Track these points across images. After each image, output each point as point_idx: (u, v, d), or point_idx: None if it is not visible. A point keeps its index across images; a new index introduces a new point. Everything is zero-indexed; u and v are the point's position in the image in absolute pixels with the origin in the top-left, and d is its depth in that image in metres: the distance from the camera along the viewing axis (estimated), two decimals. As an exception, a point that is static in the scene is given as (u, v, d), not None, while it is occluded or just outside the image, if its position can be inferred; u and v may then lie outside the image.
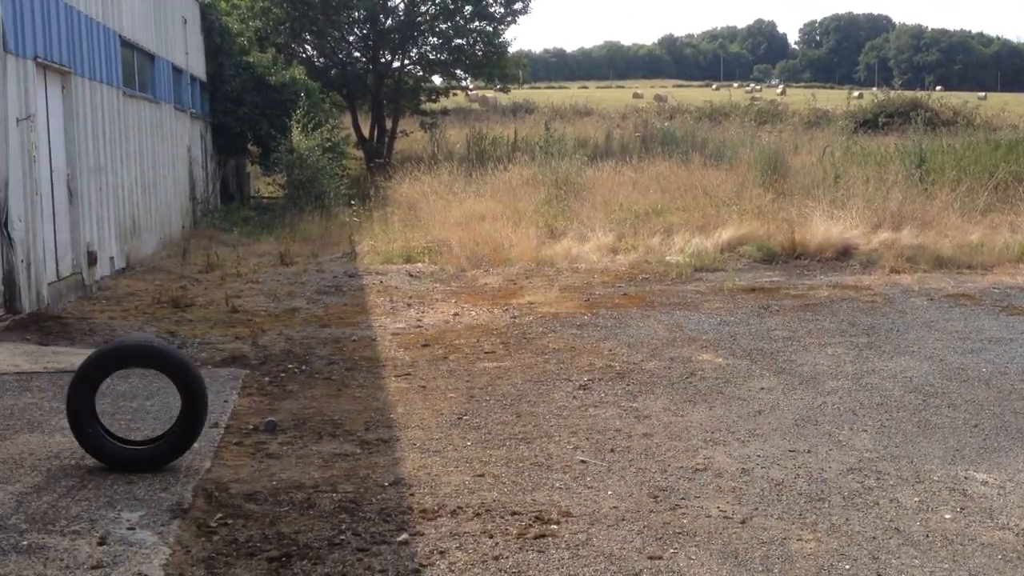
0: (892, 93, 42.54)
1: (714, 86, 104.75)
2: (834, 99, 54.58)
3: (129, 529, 5.00)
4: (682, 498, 5.69)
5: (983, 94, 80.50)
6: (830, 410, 7.57)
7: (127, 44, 16.08)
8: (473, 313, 11.71)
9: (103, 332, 10.24)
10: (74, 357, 9.02)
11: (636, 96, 74.54)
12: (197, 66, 23.56)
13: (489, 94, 59.18)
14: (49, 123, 11.97)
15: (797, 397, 7.93)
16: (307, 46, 38.67)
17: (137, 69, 16.98)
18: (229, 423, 7.12)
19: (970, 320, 11.01)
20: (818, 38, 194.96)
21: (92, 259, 13.15)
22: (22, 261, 10.71)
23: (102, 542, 4.83)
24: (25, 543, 4.79)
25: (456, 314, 11.65)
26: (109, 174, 14.31)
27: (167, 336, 10.26)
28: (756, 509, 5.52)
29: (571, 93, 71.01)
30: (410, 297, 12.89)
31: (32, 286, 10.94)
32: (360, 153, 36.49)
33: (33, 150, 11.07)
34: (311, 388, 8.33)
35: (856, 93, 62.69)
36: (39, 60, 11.41)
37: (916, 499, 5.70)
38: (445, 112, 41.88)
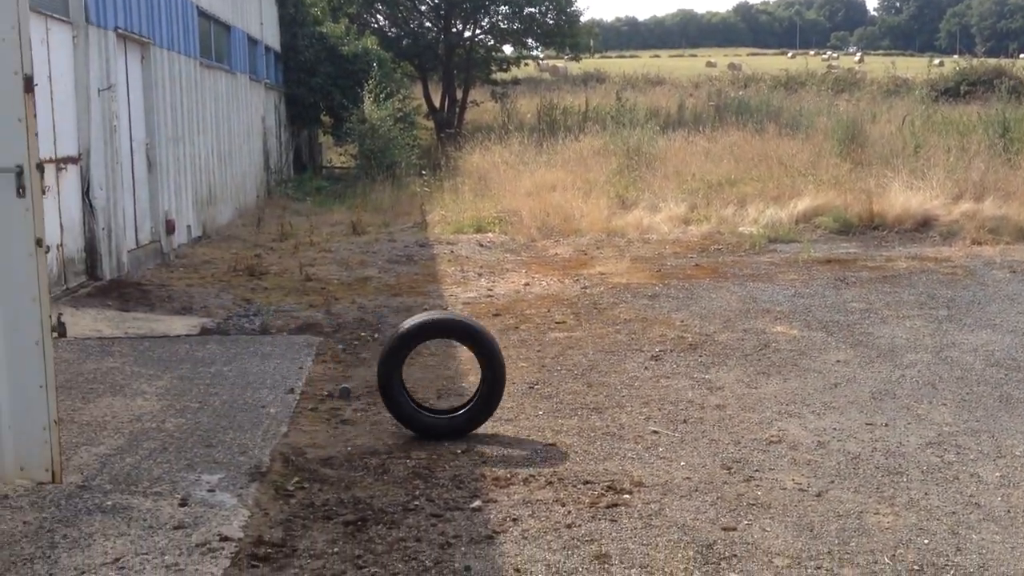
0: (974, 61, 41.28)
1: (790, 54, 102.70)
2: (914, 67, 53.12)
3: (209, 491, 5.12)
4: (756, 470, 5.64)
5: (1071, 61, 77.72)
6: (908, 383, 7.42)
7: (204, 15, 16.28)
8: (544, 283, 11.70)
9: (181, 299, 10.45)
10: (154, 323, 9.24)
11: (709, 65, 73.47)
12: (272, 37, 23.78)
13: (560, 64, 58.78)
14: (129, 93, 12.19)
15: (874, 370, 7.79)
16: (379, 16, 38.79)
17: (214, 40, 17.19)
18: (304, 389, 7.22)
19: (1055, 294, 10.69)
20: (898, 4, 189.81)
21: (170, 227, 13.40)
22: (103, 229, 10.96)
23: (183, 503, 4.94)
24: (109, 503, 4.92)
25: (527, 284, 11.65)
26: (186, 144, 14.55)
27: (243, 303, 10.44)
28: (832, 482, 5.45)
29: (643, 62, 70.27)
30: (480, 267, 12.92)
31: (113, 253, 11.20)
32: (431, 123, 36.57)
33: (114, 120, 11.30)
34: (421, 356, 8.38)
35: (937, 61, 61.00)
36: (119, 31, 11.61)
37: (997, 474, 5.57)
38: (516, 82, 41.66)
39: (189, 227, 14.66)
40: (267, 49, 23.07)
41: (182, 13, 14.54)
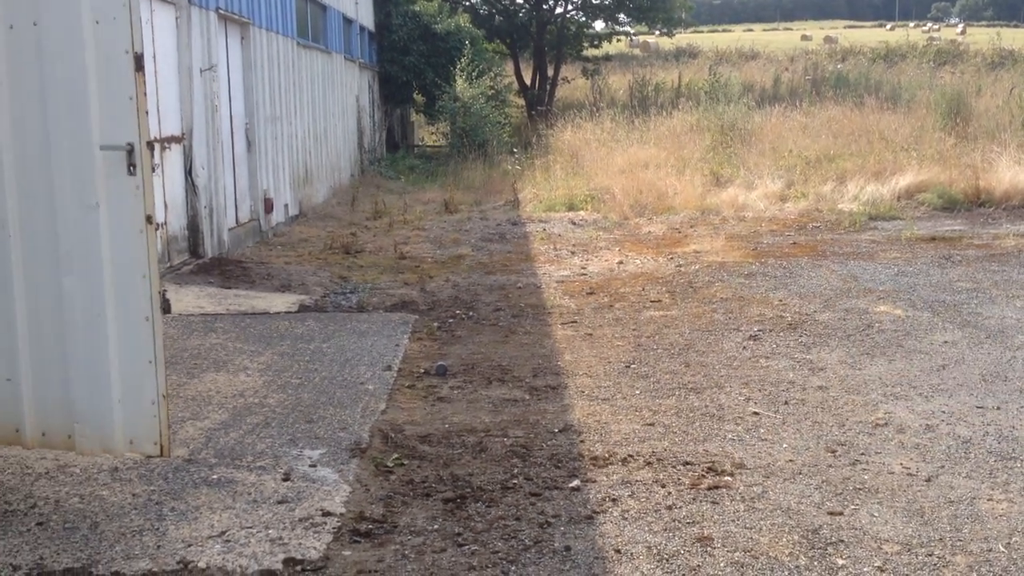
0: (1087, 29, 39.51)
1: (888, 26, 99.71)
2: (1021, 38, 51.12)
3: (311, 466, 5.18)
4: (862, 453, 5.49)
5: None
6: (1020, 366, 7.15)
7: (300, -5, 16.48)
8: (637, 261, 11.59)
9: (280, 276, 10.63)
10: (255, 300, 9.41)
11: (804, 38, 71.74)
12: (366, 16, 23.97)
13: (651, 39, 58.03)
14: (229, 73, 12.41)
15: (984, 351, 7.53)
16: (471, -7, 38.80)
17: (310, 20, 17.39)
18: (401, 366, 7.27)
19: None
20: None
21: (268, 206, 13.64)
22: (205, 207, 11.20)
23: (286, 478, 5.02)
24: (215, 477, 5.02)
25: (620, 262, 11.56)
26: (284, 123, 14.76)
27: (340, 281, 10.57)
28: (942, 467, 5.28)
29: (736, 36, 68.99)
30: (573, 245, 12.86)
31: (214, 231, 11.44)
32: (522, 101, 36.51)
33: (215, 100, 11.51)
34: (478, 334, 8.42)
35: (1046, 30, 58.59)
36: (220, 11, 11.82)
37: (1119, 463, 5.33)
38: (607, 58, 41.33)
39: (286, 206, 14.89)
40: (361, 28, 23.27)
41: (279, -6, 14.75)
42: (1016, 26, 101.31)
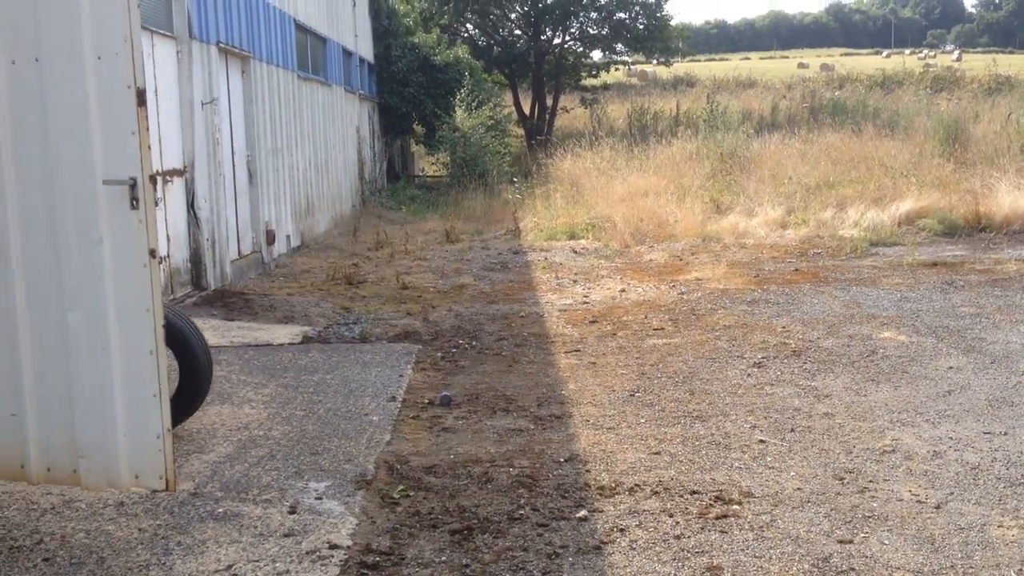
0: (1082, 55, 39.78)
1: (885, 53, 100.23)
2: (1016, 64, 51.43)
3: (317, 499, 5.16)
4: (870, 481, 5.46)
5: None
6: (1026, 391, 7.13)
7: (301, 28, 16.58)
8: (639, 289, 11.59)
9: (283, 308, 10.62)
10: (258, 332, 9.40)
11: (801, 66, 72.16)
12: (365, 48, 24.12)
13: (649, 68, 58.42)
14: (230, 106, 12.47)
15: (989, 377, 7.51)
16: (469, 26, 39.08)
17: (310, 52, 17.50)
18: (405, 397, 7.25)
19: None
20: (997, 1, 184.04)
21: (270, 237, 13.66)
22: (207, 240, 11.22)
23: (292, 511, 4.99)
24: (221, 510, 4.99)
25: (622, 290, 11.56)
26: (285, 155, 14.82)
27: (342, 311, 10.57)
28: (951, 493, 5.25)
29: (733, 65, 69.39)
30: (575, 273, 12.87)
31: (217, 263, 11.45)
32: (521, 131, 36.68)
33: (216, 133, 11.56)
34: (482, 363, 8.41)
35: (1041, 56, 58.93)
36: (221, 45, 11.89)
37: None
38: (605, 88, 41.57)
39: (288, 237, 14.92)
40: (361, 60, 23.41)
41: (280, 27, 14.83)
42: (1011, 52, 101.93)
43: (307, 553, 4.52)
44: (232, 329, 9.48)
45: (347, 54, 21.35)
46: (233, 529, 4.77)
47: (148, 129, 4.91)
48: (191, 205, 10.96)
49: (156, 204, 5.96)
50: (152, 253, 4.88)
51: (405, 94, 26.22)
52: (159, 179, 10.14)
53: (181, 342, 5.88)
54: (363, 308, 10.78)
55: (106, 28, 4.77)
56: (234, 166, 12.54)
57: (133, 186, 4.85)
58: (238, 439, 6.14)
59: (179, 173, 10.79)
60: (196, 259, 11.09)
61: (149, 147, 4.89)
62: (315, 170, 17.07)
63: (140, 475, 5.00)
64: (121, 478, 5.01)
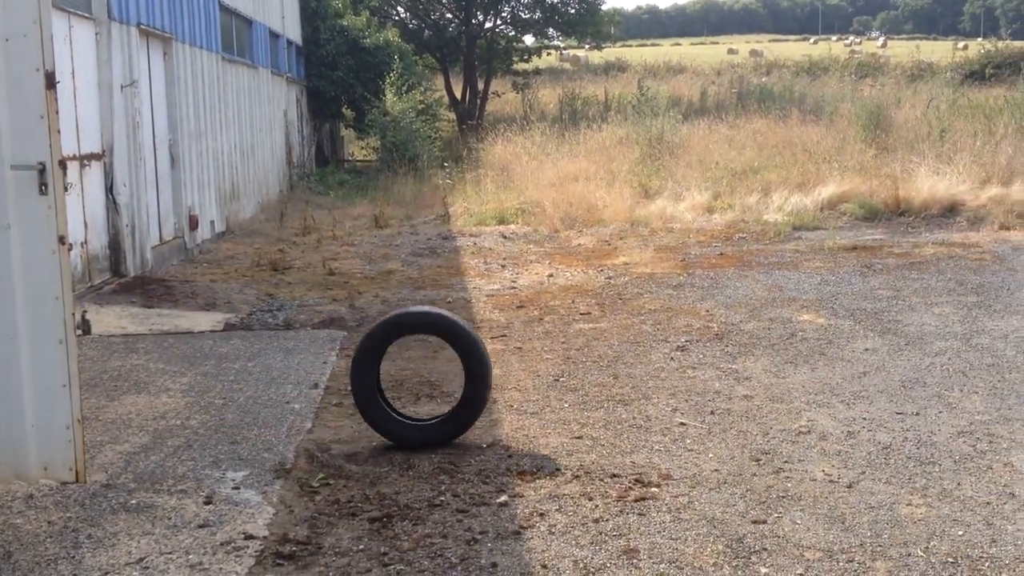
0: (1000, 43, 40.88)
1: (812, 40, 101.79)
2: (939, 51, 52.57)
3: (234, 488, 5.09)
4: (785, 461, 5.56)
5: (1099, 42, 76.68)
6: (939, 371, 7.31)
7: (226, 9, 16.29)
8: (567, 274, 11.64)
9: (205, 295, 10.46)
10: (178, 319, 9.25)
11: (731, 52, 73.00)
12: (293, 30, 23.80)
13: (580, 53, 58.64)
14: (151, 89, 12.21)
15: (903, 358, 7.69)
16: (400, 8, 38.80)
17: (235, 34, 17.22)
18: (328, 384, 7.20)
19: (1088, 278, 10.53)
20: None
21: (193, 223, 13.44)
22: (127, 225, 10.99)
23: (208, 501, 4.92)
24: (134, 502, 4.91)
25: (550, 275, 11.59)
26: (209, 139, 14.57)
27: (267, 298, 10.45)
28: (863, 473, 5.37)
29: (664, 50, 69.90)
30: (504, 258, 12.87)
31: (136, 250, 11.23)
32: (452, 115, 36.53)
33: (137, 116, 11.32)
34: (407, 350, 8.36)
35: (962, 44, 60.36)
36: (142, 27, 11.63)
37: (1032, 465, 5.47)
38: (537, 72, 41.55)
39: (212, 222, 14.69)
40: (288, 43, 23.09)
41: (204, 8, 14.56)
42: (935, 39, 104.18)
43: (222, 544, 4.46)
44: (151, 317, 9.32)
45: (274, 36, 21.05)
46: (146, 521, 4.70)
47: (58, 113, 4.78)
48: (110, 190, 10.73)
49: (66, 190, 5.83)
50: (61, 240, 4.77)
51: (334, 77, 25.92)
52: (76, 163, 9.90)
53: (467, 346, 5.88)
54: (288, 294, 10.67)
55: (14, 9, 4.63)
56: (155, 150, 12.30)
57: (42, 171, 4.72)
58: (154, 429, 6.04)
59: (97, 157, 10.55)
60: (115, 245, 10.87)
61: (59, 131, 4.77)
62: (241, 154, 16.82)
63: (49, 467, 4.89)
64: (30, 470, 4.89)
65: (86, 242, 10.18)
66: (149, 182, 11.93)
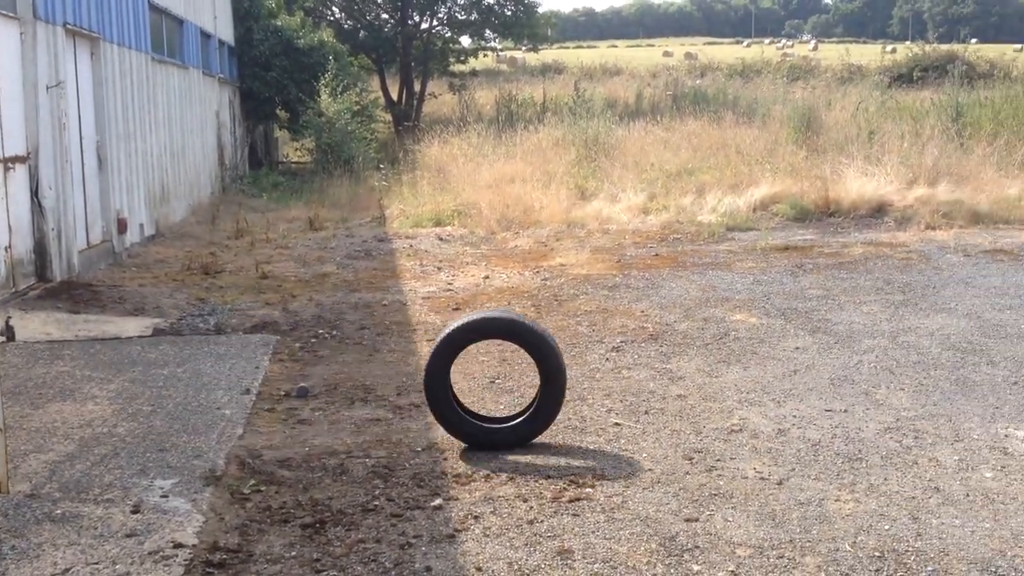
0: (927, 47, 41.84)
1: (745, 43, 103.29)
2: (868, 54, 53.64)
3: (163, 497, 5.00)
4: (718, 460, 5.62)
5: (1020, 46, 78.87)
6: (866, 369, 7.45)
7: (156, 9, 16.02)
8: (504, 276, 11.64)
9: (133, 299, 10.27)
10: (105, 325, 9.06)
11: (666, 55, 73.65)
12: (225, 30, 23.48)
13: (517, 55, 58.72)
14: (79, 90, 11.95)
15: (833, 356, 7.82)
16: (335, 9, 38.51)
17: (166, 34, 16.93)
18: (260, 389, 7.11)
19: (1008, 276, 10.80)
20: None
21: (122, 226, 13.18)
22: (53, 229, 10.75)
23: (136, 510, 4.83)
24: (59, 512, 4.80)
25: (486, 277, 11.59)
26: (138, 140, 14.31)
27: (197, 303, 10.29)
28: (793, 470, 5.45)
29: (600, 53, 70.30)
30: (440, 261, 12.84)
31: (63, 254, 10.98)
32: (388, 116, 36.35)
33: (63, 117, 11.06)
34: (342, 353, 8.31)
35: (890, 47, 61.63)
36: (68, 26, 11.38)
37: (956, 458, 5.59)
38: (474, 74, 41.53)
39: (142, 226, 14.42)
40: (221, 43, 22.78)
41: (133, 8, 14.30)
42: (864, 42, 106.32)
43: (150, 554, 4.38)
44: (78, 322, 9.12)
45: (205, 36, 20.75)
46: (72, 531, 4.59)
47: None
48: (35, 193, 10.48)
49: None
50: (-20, 245, 4.64)
51: (268, 78, 25.63)
52: (0, 166, 9.65)
53: (543, 349, 5.88)
54: (220, 298, 10.52)
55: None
56: (82, 152, 12.04)
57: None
58: (80, 437, 5.90)
59: (22, 160, 10.29)
60: (41, 249, 10.61)
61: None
62: (171, 156, 16.54)
63: (-30, 478, 4.76)
64: (-51, 482, 4.76)
65: (10, 246, 9.93)
66: (76, 184, 11.68)
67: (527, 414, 5.99)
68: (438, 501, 5.08)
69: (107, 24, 12.91)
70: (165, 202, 15.96)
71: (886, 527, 4.70)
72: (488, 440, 5.86)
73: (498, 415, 6.36)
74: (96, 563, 4.28)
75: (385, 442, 6.04)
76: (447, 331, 5.99)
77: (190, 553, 4.40)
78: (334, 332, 9.04)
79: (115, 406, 6.56)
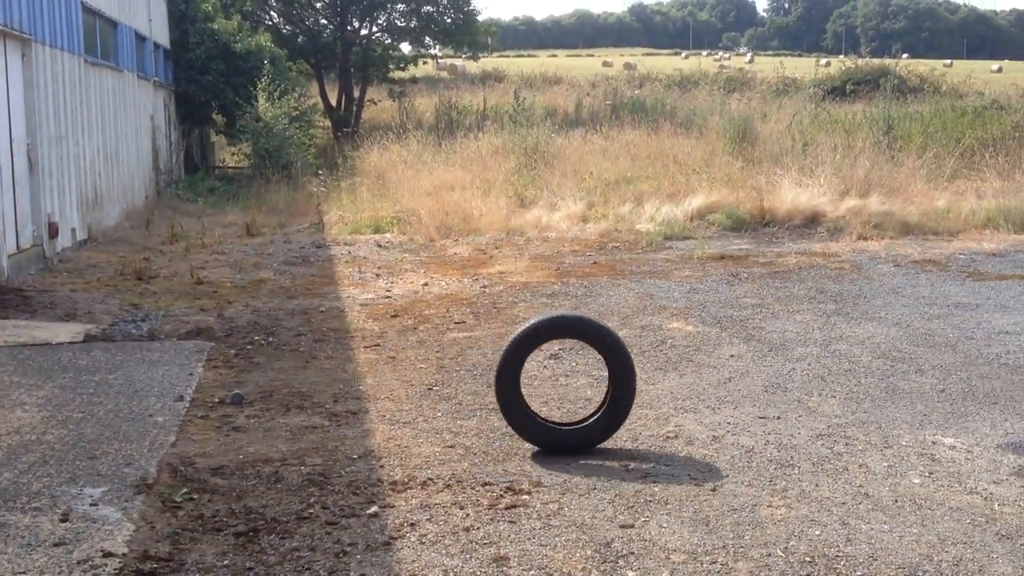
0: (860, 61, 42.76)
1: (683, 54, 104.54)
2: (802, 67, 54.60)
3: (92, 505, 4.91)
4: (653, 466, 5.67)
5: (949, 61, 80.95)
6: (799, 376, 7.57)
7: (89, 10, 15.74)
8: (443, 283, 11.63)
9: (64, 305, 10.07)
10: (35, 330, 8.87)
11: (606, 64, 74.26)
12: (160, 33, 23.16)
13: (458, 63, 58.77)
14: (9, 92, 11.69)
15: (766, 364, 7.93)
16: (273, 13, 38.16)
17: (99, 36, 16.64)
18: (194, 396, 7.01)
19: (936, 286, 11.06)
20: (786, 6, 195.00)
21: (53, 230, 12.92)
22: (-19, 233, 10.50)
23: (64, 519, 4.74)
24: (-15, 520, 4.69)
25: (425, 284, 11.56)
26: (70, 144, 14.04)
27: (130, 308, 10.12)
28: (727, 476, 5.52)
29: (541, 61, 70.66)
30: (379, 267, 12.78)
31: (-8, 258, 10.74)
32: (327, 122, 36.11)
33: (-10, 119, 10.82)
34: (278, 360, 8.23)
35: (824, 61, 62.83)
36: (-4, 27, 11.14)
37: (885, 464, 5.71)
38: (414, 81, 41.43)
39: (74, 230, 14.15)
40: (156, 46, 22.46)
41: (66, 9, 14.04)
42: (799, 55, 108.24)
43: (79, 563, 4.30)
44: (6, 328, 8.90)
45: (140, 39, 20.44)
46: (-3, 541, 4.49)
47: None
48: (-38, 196, 10.23)
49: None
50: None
51: (204, 82, 25.30)
52: (-76, 167, 9.41)
53: (615, 351, 5.90)
54: (153, 304, 10.35)
55: None
56: (12, 155, 11.78)
57: None
58: (7, 444, 5.77)
59: (-52, 161, 10.05)
60: (-32, 254, 10.37)
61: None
62: (104, 159, 16.26)
63: None
64: None
65: (-65, 250, 9.69)
66: (5, 188, 11.42)
67: (598, 415, 6.01)
68: (374, 508, 5.06)
69: (39, 25, 12.66)
70: (98, 206, 15.67)
71: (817, 532, 4.78)
72: (562, 443, 5.90)
73: (563, 419, 6.44)
74: (23, 572, 4.19)
75: (321, 449, 5.99)
76: (518, 333, 6.03)
77: (120, 562, 4.33)
78: (270, 339, 8.96)
79: (44, 413, 6.42)
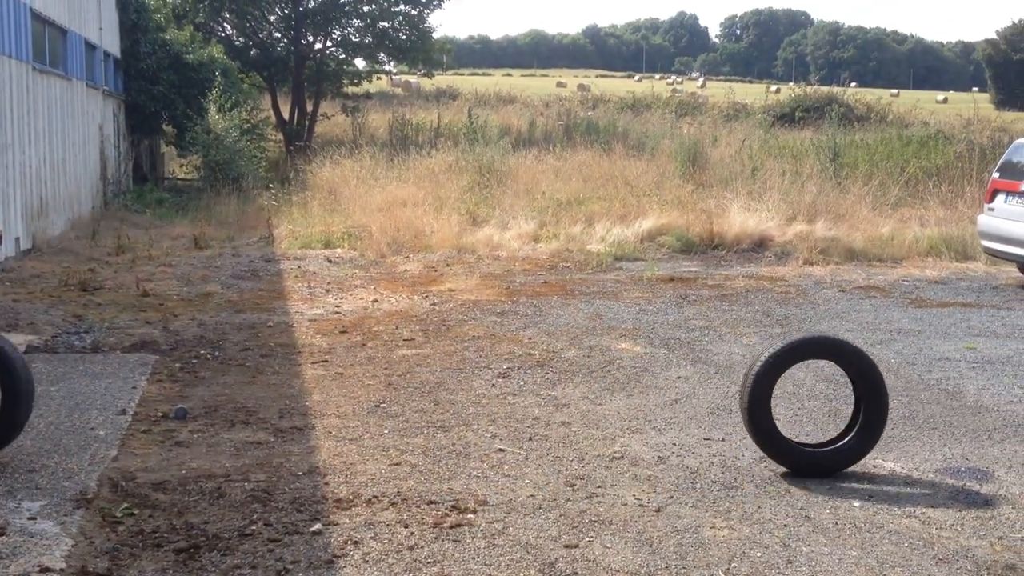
0: (809, 88, 43.39)
1: (636, 77, 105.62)
2: (752, 93, 55.40)
3: (30, 519, 4.83)
4: (599, 486, 5.69)
5: (896, 91, 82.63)
6: (745, 399, 7.64)
7: (38, 17, 15.54)
8: (392, 300, 11.60)
9: (6, 315, 9.89)
10: (-25, 341, 8.69)
11: (560, 85, 74.75)
12: (111, 42, 22.91)
13: (412, 79, 58.72)
14: (-49, 97, 11.51)
15: (713, 386, 8.01)
16: (226, 25, 37.88)
17: (48, 44, 16.43)
18: (137, 410, 6.92)
19: (880, 311, 11.25)
20: (738, 32, 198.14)
21: (-4, 239, 12.70)
22: (-79, 240, 10.30)
23: (1, 532, 4.65)
24: (-83, 535, 4.58)
25: (375, 300, 11.52)
26: (16, 152, 13.82)
27: (74, 320, 9.97)
28: (671, 497, 5.56)
29: (495, 80, 70.91)
30: (328, 283, 12.72)
31: (-69, 266, 10.53)
32: (279, 136, 35.89)
33: (-66, 125, 10.64)
34: (224, 375, 8.15)
35: (774, 87, 63.78)
36: (-59, 31, 10.97)
37: (826, 487, 5.78)
38: (368, 96, 41.33)
39: (18, 239, 13.91)
40: (106, 55, 22.21)
41: (14, 15, 13.84)
42: (750, 82, 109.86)
43: (13, 579, 4.22)
44: (-55, 338, 8.73)
45: (91, 47, 20.21)
46: (-71, 556, 4.39)
47: None
48: (-98, 202, 10.03)
49: None
50: None
51: (155, 92, 25.05)
52: None
53: (868, 372, 5.95)
54: (97, 316, 10.20)
55: None
56: (-45, 161, 11.58)
57: None
58: (-57, 458, 5.66)
59: None
60: (-93, 261, 10.16)
61: None
62: (51, 168, 16.02)
63: None
64: None
65: None
66: (-53, 194, 11.22)
67: (850, 436, 6.04)
68: (317, 526, 5.03)
69: (-14, 30, 12.48)
70: (44, 216, 15.43)
71: (758, 554, 4.83)
72: (815, 465, 5.95)
73: (808, 440, 6.47)
74: (-46, 590, 4.10)
75: (265, 465, 5.94)
76: (768, 354, 6.07)
77: (57, 579, 4.25)
78: (216, 353, 8.87)
79: (-19, 426, 6.29)
